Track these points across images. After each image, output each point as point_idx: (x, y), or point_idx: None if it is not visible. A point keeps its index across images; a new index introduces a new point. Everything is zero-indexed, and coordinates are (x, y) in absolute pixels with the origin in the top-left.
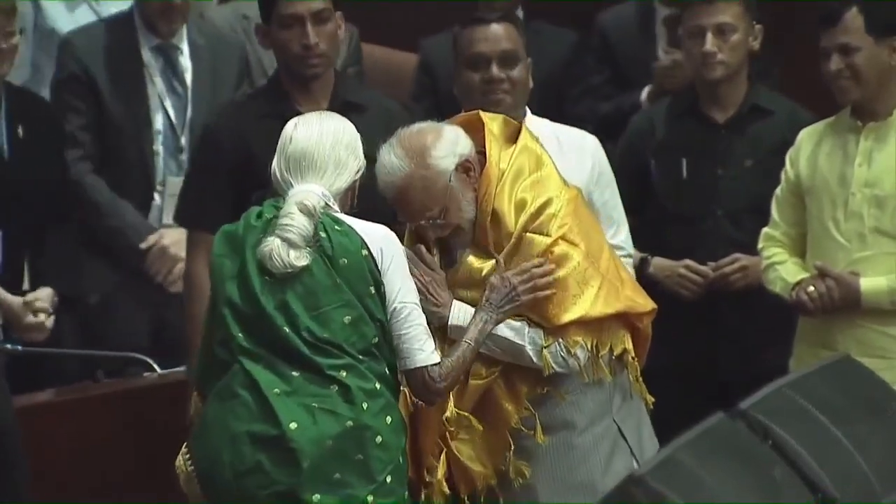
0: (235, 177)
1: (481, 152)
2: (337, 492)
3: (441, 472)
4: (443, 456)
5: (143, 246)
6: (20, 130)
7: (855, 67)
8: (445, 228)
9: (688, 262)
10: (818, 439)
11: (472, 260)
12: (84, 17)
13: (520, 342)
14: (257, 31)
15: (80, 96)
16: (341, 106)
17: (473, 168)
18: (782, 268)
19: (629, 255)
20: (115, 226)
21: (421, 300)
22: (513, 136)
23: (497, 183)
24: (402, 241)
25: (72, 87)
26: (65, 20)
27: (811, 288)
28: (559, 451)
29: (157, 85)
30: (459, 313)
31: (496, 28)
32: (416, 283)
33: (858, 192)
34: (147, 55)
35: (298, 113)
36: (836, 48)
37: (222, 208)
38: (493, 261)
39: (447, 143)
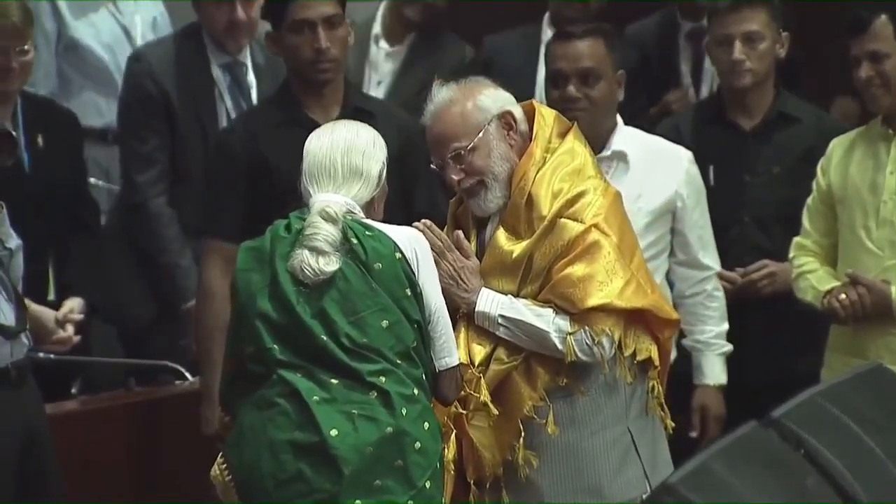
0: (249, 184)
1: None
2: (378, 498)
3: (452, 453)
4: (453, 437)
5: (182, 308)
6: (39, 140)
7: (885, 75)
8: (468, 176)
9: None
10: (851, 449)
11: (502, 241)
12: (103, 21)
13: (545, 328)
14: (267, 37)
15: (156, 115)
16: (352, 112)
17: (515, 128)
18: (813, 276)
19: (718, 273)
20: (170, 264)
21: (451, 286)
22: (562, 133)
23: (538, 168)
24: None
25: (148, 106)
26: (85, 29)
27: (842, 296)
28: (568, 450)
29: (226, 102)
30: (487, 300)
31: (578, 45)
32: (448, 268)
33: (890, 199)
34: (216, 72)
35: (310, 119)
36: (865, 56)
37: (236, 216)
38: (524, 243)
39: (499, 93)
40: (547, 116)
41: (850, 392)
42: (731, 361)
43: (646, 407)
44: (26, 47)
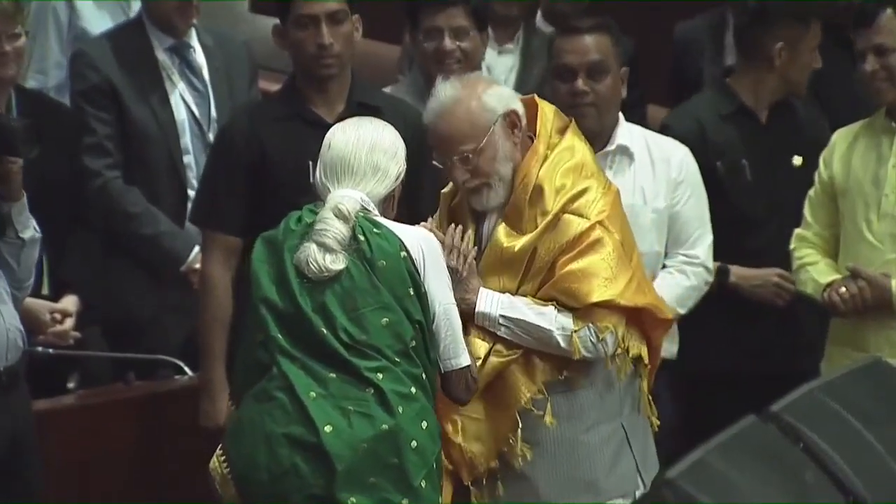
0: (249, 177)
1: (529, 137)
2: (372, 495)
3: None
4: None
5: (182, 269)
6: None
7: (890, 68)
8: (474, 177)
9: (779, 270)
10: (850, 442)
11: (503, 237)
12: (114, 15)
13: (548, 327)
14: (274, 31)
15: (103, 106)
16: (356, 108)
17: (519, 127)
18: (814, 269)
19: (706, 269)
20: (152, 234)
21: (453, 284)
22: (561, 130)
23: (540, 164)
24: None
25: (94, 98)
26: (95, 21)
27: (843, 289)
28: (564, 445)
29: (176, 84)
30: (487, 300)
31: (587, 39)
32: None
33: (892, 193)
34: (162, 56)
35: (314, 114)
36: (871, 49)
37: (236, 208)
38: (526, 238)
39: (503, 90)
40: (548, 112)
41: (850, 386)
42: (784, 357)
43: (637, 404)
44: (17, 31)
